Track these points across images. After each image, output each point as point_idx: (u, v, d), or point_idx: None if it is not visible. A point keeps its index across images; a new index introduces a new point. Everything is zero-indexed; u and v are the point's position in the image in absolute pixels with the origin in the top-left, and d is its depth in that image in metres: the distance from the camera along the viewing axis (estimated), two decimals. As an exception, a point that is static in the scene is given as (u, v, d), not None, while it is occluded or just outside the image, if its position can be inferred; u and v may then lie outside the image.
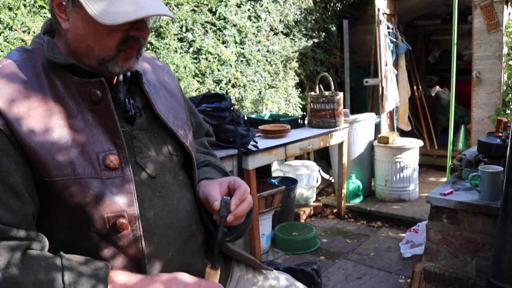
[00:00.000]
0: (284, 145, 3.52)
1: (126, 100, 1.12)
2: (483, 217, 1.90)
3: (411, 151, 4.40)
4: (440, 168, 5.41)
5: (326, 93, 4.08)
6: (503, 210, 1.67)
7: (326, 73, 4.14)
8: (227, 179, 1.20)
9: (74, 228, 0.99)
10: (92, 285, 0.90)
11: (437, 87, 6.37)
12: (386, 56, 4.74)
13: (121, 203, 0.99)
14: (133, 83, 1.17)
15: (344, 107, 4.54)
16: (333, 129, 4.00)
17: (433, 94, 6.33)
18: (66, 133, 0.98)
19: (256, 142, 3.31)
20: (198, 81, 4.02)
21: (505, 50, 4.69)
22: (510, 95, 4.71)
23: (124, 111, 1.11)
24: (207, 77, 4.04)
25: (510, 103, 4.74)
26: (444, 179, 4.93)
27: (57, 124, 0.98)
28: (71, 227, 0.99)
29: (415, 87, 5.82)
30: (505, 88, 4.83)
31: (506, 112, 4.75)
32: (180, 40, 3.88)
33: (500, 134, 2.15)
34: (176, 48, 3.80)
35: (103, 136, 1.02)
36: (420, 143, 4.49)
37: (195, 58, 4.01)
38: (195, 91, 3.91)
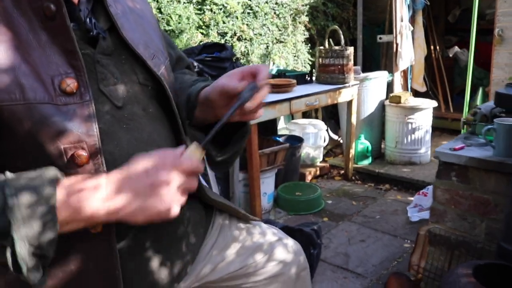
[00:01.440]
0: (289, 100, 3.34)
1: (88, 19, 0.95)
2: (497, 175, 1.71)
3: (424, 112, 4.18)
4: (454, 132, 5.17)
5: (336, 47, 3.85)
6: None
7: (337, 27, 3.90)
8: (242, 69, 1.05)
9: (26, 161, 0.84)
10: (38, 185, 0.76)
11: (456, 47, 6.08)
12: (402, 10, 4.46)
13: (79, 132, 0.85)
14: (98, 3, 1.00)
15: (355, 65, 4.32)
16: (342, 85, 3.79)
17: (451, 55, 6.04)
18: (13, 52, 0.82)
19: (261, 96, 3.12)
20: (201, 33, 3.82)
21: (531, 6, 4.38)
22: (534, 55, 4.42)
23: (85, 32, 0.94)
24: (211, 29, 3.83)
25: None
26: (458, 143, 4.71)
27: (3, 42, 0.81)
28: (23, 160, 0.85)
29: (432, 47, 5.53)
30: (528, 48, 4.54)
31: (528, 74, 4.48)
32: (182, -13, 3.66)
33: (521, 86, 1.94)
34: (177, -4, 3.59)
35: (59, 58, 0.86)
36: (433, 103, 4.26)
37: (199, 9, 3.79)
38: (199, 43, 3.71)
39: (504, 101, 1.92)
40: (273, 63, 4.37)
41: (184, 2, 3.65)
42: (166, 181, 0.82)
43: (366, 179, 4.22)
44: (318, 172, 4.31)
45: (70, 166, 0.84)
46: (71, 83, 0.84)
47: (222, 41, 3.86)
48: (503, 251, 1.58)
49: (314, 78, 3.96)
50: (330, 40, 3.93)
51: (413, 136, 4.19)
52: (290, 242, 1.36)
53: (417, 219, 3.35)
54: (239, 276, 1.24)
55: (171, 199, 0.82)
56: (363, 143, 4.31)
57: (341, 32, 3.81)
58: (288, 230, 2.60)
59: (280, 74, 3.79)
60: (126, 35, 0.99)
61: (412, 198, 3.72)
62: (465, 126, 2.02)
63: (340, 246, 3.08)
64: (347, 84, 3.83)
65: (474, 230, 1.83)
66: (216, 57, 3.08)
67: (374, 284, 2.64)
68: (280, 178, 3.86)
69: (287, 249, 1.32)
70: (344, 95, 3.87)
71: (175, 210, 0.83)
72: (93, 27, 0.94)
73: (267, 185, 3.56)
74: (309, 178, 4.22)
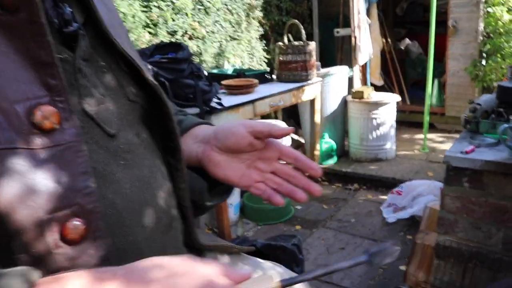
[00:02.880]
0: (252, 102, 3.07)
1: (60, 7, 0.63)
2: (517, 179, 1.55)
3: (388, 106, 4.04)
4: (413, 125, 5.12)
5: (296, 43, 3.62)
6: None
7: (297, 21, 3.67)
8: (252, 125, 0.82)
9: None
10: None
11: (407, 39, 6.05)
12: (358, 3, 4.30)
13: (70, 191, 0.54)
14: None
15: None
16: (305, 83, 3.57)
17: (402, 47, 6.01)
18: None
19: (220, 99, 2.84)
20: (149, 33, 3.47)
21: (484, -4, 4.36)
22: (488, 45, 4.40)
23: (56, 28, 0.62)
24: (160, 28, 3.50)
25: (488, 53, 4.44)
26: (420, 136, 4.63)
27: None
28: None
29: (383, 40, 5.45)
30: (481, 38, 4.52)
31: (483, 63, 4.46)
32: (127, -17, 3.30)
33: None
34: (122, -8, 3.23)
35: (26, 73, 0.54)
36: (397, 97, 4.14)
37: (146, 6, 3.45)
38: (147, 44, 3.37)
39: (509, 95, 1.76)
40: (228, 62, 4.09)
41: (128, -1, 3.30)
42: None
43: (333, 180, 4.03)
44: (282, 176, 4.08)
45: (56, 250, 0.53)
46: (49, 114, 0.53)
47: (172, 40, 3.54)
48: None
49: (274, 77, 3.72)
50: (289, 35, 3.70)
51: (378, 131, 4.05)
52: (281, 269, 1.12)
53: (394, 220, 3.19)
54: None
55: None
56: (327, 142, 4.12)
57: (301, 27, 3.59)
58: (270, 248, 2.35)
59: (240, 74, 3.51)
60: (110, 31, 0.68)
61: (384, 197, 3.57)
62: (466, 124, 1.84)
63: (319, 257, 2.86)
64: (310, 81, 3.62)
65: (489, 240, 1.65)
66: (172, 58, 2.76)
67: (364, 299, 2.44)
68: (245, 185, 3.59)
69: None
70: (308, 93, 3.65)
71: None
72: (71, 19, 0.62)
73: (232, 195, 3.28)
74: (273, 182, 3.97)
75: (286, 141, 4.10)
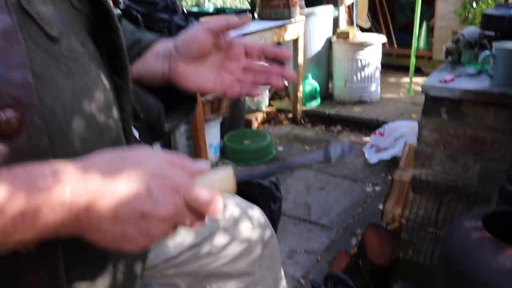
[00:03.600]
0: (232, 39, 2.95)
1: None
2: (496, 108, 1.48)
3: (373, 47, 3.94)
4: (400, 68, 5.03)
5: (279, -22, 3.46)
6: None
7: (279, -46, 3.50)
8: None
9: None
10: None
11: (397, -20, 5.85)
12: None
13: (3, 81, 0.49)
14: None
15: (298, -2, 3.96)
16: (288, 21, 3.45)
17: (392, -12, 5.81)
18: None
19: (198, 36, 2.72)
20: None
21: None
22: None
23: None
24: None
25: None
26: (406, 79, 4.56)
27: None
28: None
29: (372, -20, 5.27)
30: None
31: (473, 6, 4.33)
32: None
33: None
34: None
35: None
36: (383, 38, 4.04)
37: None
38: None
39: (494, 24, 1.67)
40: (209, 1, 3.93)
41: None
42: (164, 216, 0.53)
43: (316, 122, 3.98)
44: (265, 117, 4.01)
45: None
46: None
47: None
48: (509, 195, 1.37)
49: (256, 15, 3.58)
50: (272, -30, 3.53)
51: (362, 73, 3.97)
52: (256, 213, 1.15)
53: (376, 161, 3.16)
54: (199, 257, 1.03)
55: (156, 234, 0.54)
56: (310, 83, 4.03)
57: (284, -40, 3.42)
58: (246, 185, 2.31)
59: (219, 11, 3.38)
60: None
61: (366, 139, 3.53)
62: (448, 55, 1.76)
63: (299, 196, 2.84)
64: (293, 20, 3.49)
65: (466, 172, 1.61)
66: (146, -11, 2.62)
67: (341, 236, 2.43)
68: (225, 127, 3.53)
69: (252, 224, 1.12)
70: (291, 32, 3.53)
71: (150, 245, 0.56)
72: None
73: (212, 135, 3.22)
74: (256, 124, 3.92)
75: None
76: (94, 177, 0.50)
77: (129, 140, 0.73)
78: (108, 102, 0.65)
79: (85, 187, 0.49)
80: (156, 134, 0.87)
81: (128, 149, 0.57)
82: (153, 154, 0.56)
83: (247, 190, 2.31)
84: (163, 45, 0.84)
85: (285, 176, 3.09)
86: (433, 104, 1.59)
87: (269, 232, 1.18)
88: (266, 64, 0.81)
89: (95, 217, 0.50)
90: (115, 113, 0.67)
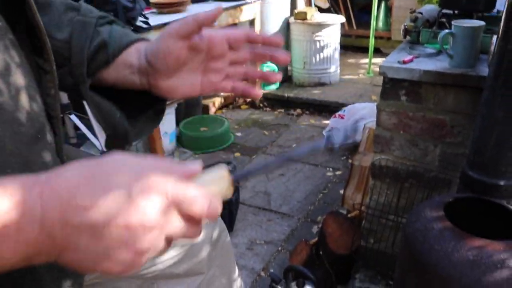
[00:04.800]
0: (184, 21, 2.80)
1: None
2: (456, 90, 1.41)
3: (332, 28, 3.86)
4: (359, 50, 4.98)
5: (233, -43, 3.32)
6: (494, 78, 1.18)
7: None
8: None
9: None
10: None
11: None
12: None
13: None
14: None
15: (254, -22, 3.83)
16: (243, 1, 3.32)
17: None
18: None
19: (147, 18, 2.58)
20: None
21: None
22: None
23: None
24: None
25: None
26: (365, 60, 4.51)
27: None
28: None
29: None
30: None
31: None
32: None
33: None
34: None
35: None
36: (341, 18, 3.96)
37: None
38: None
39: (453, 1, 1.60)
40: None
41: None
42: (152, 225, 0.44)
43: (276, 105, 3.89)
44: (222, 102, 3.89)
45: None
46: None
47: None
48: (470, 181, 1.31)
49: (210, -5, 3.43)
50: None
51: (321, 54, 3.89)
52: None
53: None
54: None
55: (145, 247, 0.45)
56: (269, 66, 3.90)
57: None
58: (201, 175, 2.21)
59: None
60: None
61: (327, 122, 3.46)
62: (406, 35, 1.68)
63: (258, 184, 2.75)
64: (248, 0, 3.37)
65: (426, 157, 1.55)
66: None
67: (302, 224, 2.35)
68: (181, 114, 3.40)
69: None
70: (246, 13, 3.41)
71: (140, 262, 0.46)
72: None
73: (167, 123, 3.08)
74: (213, 110, 3.79)
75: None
76: (68, 188, 0.43)
77: (56, 130, 0.64)
78: (26, 86, 0.55)
79: (58, 200, 0.42)
80: (125, 142, 0.78)
81: (104, 156, 0.48)
82: (134, 159, 0.47)
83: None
84: (136, 56, 0.73)
85: (243, 163, 2.99)
86: (391, 87, 1.51)
87: (217, 230, 1.09)
88: (257, 52, 0.72)
89: (72, 233, 0.42)
90: (36, 99, 0.58)
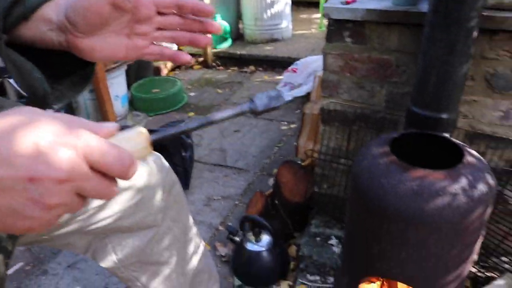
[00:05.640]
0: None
1: None
2: (400, 29, 1.41)
3: (281, -19, 3.79)
4: (312, 5, 4.93)
5: None
6: (433, 13, 1.17)
7: None
8: None
9: None
10: None
11: None
12: None
13: None
14: None
15: None
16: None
17: None
18: None
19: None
20: None
21: None
22: None
23: None
24: None
25: None
26: (318, 15, 4.48)
27: None
28: None
29: None
30: None
31: None
32: None
33: None
34: None
35: None
36: (290, -29, 3.89)
37: None
38: None
39: None
40: None
41: None
42: (59, 178, 0.41)
43: (228, 64, 3.84)
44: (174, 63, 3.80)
45: None
46: None
47: None
48: (414, 117, 1.32)
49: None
50: None
51: (272, 10, 3.83)
52: (153, 157, 1.06)
53: (290, 98, 3.09)
54: (88, 214, 0.93)
55: (53, 202, 0.42)
56: (220, 24, 3.84)
57: None
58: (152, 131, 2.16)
59: None
60: None
61: (280, 77, 3.45)
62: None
63: (213, 141, 2.73)
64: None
65: (373, 98, 1.55)
66: None
67: (259, 177, 2.36)
68: (132, 76, 3.31)
69: (149, 168, 1.03)
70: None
71: (51, 219, 0.43)
72: None
73: (117, 86, 3.00)
74: (165, 71, 3.71)
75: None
76: None
77: None
78: None
79: None
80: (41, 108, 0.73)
81: (11, 110, 0.43)
82: (45, 114, 0.43)
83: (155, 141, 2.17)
84: (55, 11, 0.66)
85: (198, 122, 2.95)
86: (336, 28, 1.50)
87: (169, 182, 1.07)
88: (185, 19, 0.68)
89: None
90: None
